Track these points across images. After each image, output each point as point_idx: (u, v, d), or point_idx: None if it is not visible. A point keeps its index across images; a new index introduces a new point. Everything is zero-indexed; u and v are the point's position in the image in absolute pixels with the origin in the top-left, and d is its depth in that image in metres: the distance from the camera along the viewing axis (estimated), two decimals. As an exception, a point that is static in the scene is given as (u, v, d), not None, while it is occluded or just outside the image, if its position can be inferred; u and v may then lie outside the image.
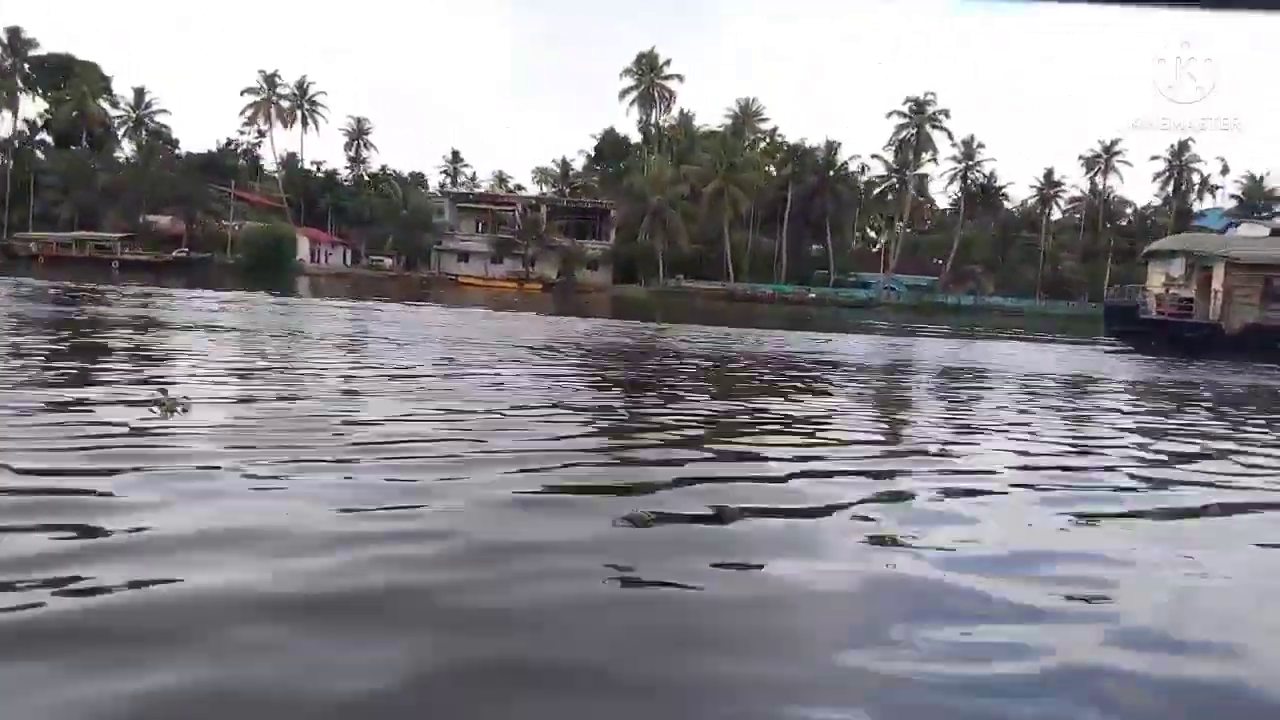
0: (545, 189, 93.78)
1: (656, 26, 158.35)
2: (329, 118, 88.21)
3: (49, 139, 71.19)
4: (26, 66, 68.93)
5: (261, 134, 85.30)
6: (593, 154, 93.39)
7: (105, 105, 70.85)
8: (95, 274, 43.35)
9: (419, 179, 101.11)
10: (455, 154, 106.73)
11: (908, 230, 70.08)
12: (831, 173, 69.69)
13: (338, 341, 16.47)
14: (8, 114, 68.98)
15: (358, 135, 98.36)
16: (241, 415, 7.73)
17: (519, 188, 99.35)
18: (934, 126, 65.51)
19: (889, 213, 73.15)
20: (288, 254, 61.85)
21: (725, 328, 28.64)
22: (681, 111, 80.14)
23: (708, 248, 71.09)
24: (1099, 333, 35.76)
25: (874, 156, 69.71)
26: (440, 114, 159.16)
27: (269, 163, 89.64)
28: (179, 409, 7.63)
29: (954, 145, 67.18)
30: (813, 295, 69.18)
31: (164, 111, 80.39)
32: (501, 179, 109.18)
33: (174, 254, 58.86)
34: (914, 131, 65.89)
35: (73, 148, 67.90)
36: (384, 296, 40.08)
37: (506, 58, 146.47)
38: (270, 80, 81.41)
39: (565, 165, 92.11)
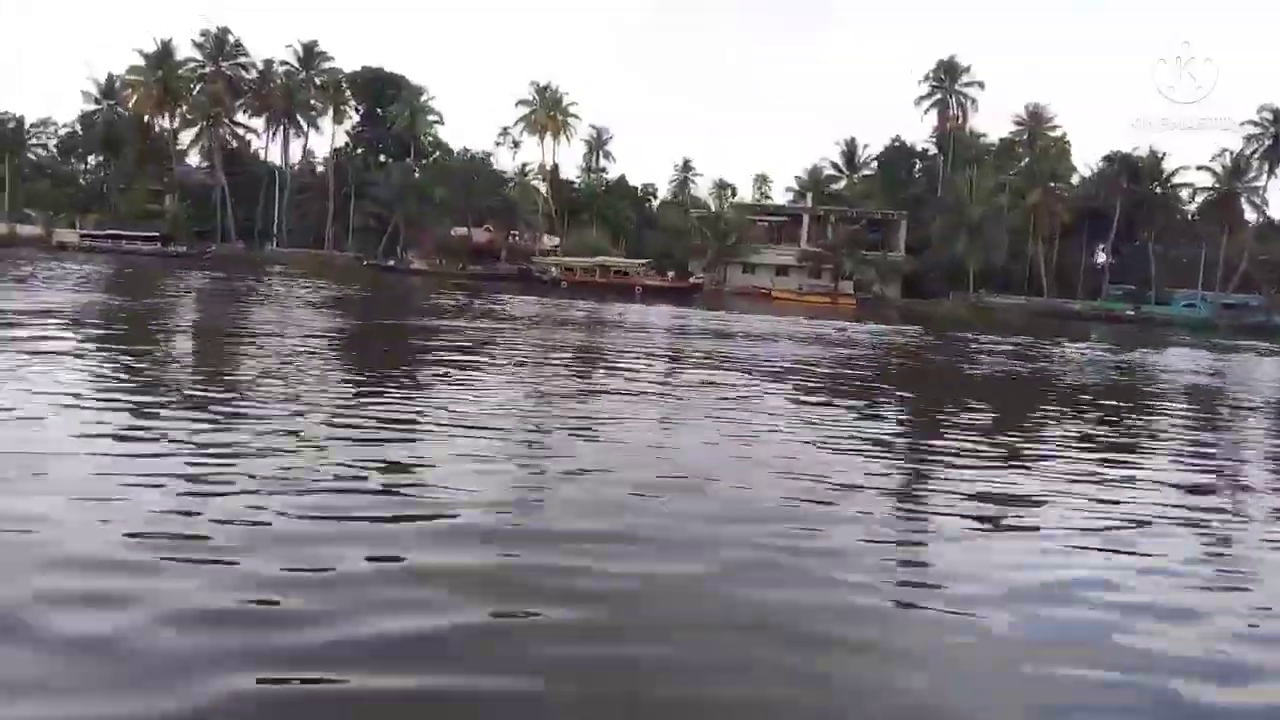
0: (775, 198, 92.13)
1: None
2: (578, 128, 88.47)
3: (359, 151, 72.78)
4: (342, 81, 70.68)
5: (516, 144, 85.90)
6: (839, 161, 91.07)
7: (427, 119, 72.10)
8: (622, 297, 46.23)
9: (650, 188, 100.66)
10: (686, 163, 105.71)
11: (1237, 247, 65.71)
12: (1155, 185, 65.95)
13: None
14: (325, 128, 70.88)
15: (597, 145, 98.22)
16: None
17: (764, 196, 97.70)
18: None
19: (1203, 227, 68.67)
20: (605, 267, 61.56)
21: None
22: (959, 119, 77.43)
23: (1010, 260, 68.20)
24: None
25: (1200, 168, 65.59)
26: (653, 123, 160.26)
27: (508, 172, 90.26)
28: None
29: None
30: (1131, 313, 65.52)
31: (438, 122, 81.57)
32: (723, 186, 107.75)
33: (691, 279, 60.47)
34: (1269, 143, 61.37)
35: (386, 159, 69.23)
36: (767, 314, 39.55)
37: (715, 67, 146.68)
38: (542, 91, 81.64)
39: (817, 174, 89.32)
